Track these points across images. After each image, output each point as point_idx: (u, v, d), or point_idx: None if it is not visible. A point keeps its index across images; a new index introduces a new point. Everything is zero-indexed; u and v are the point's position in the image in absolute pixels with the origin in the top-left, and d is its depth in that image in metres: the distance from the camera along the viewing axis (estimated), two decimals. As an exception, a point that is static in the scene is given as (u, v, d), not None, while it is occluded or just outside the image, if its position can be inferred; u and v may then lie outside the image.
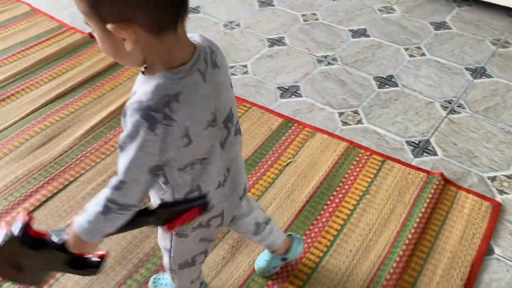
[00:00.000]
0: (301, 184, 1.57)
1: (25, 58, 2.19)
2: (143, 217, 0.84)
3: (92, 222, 0.76)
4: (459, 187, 1.55)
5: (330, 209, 1.48)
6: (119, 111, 1.87)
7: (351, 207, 1.49)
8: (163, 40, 0.69)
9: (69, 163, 1.66)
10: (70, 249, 0.81)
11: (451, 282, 1.29)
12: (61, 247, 0.80)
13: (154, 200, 0.90)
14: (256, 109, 1.88)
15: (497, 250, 1.37)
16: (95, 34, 0.70)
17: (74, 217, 0.80)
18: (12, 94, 1.99)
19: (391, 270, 1.31)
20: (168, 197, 0.85)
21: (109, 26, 0.66)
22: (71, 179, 1.60)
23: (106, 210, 0.74)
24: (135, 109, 0.68)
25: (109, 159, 1.68)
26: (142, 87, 0.71)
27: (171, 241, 0.98)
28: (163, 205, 0.86)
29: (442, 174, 1.56)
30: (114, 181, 0.73)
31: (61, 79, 2.07)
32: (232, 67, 2.12)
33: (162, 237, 1.02)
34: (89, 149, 1.72)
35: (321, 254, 1.36)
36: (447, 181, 1.56)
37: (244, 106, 1.89)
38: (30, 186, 1.58)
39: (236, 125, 0.87)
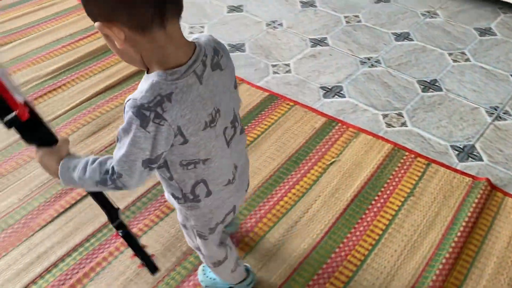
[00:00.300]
0: (345, 183, 1.58)
1: (74, 50, 2.27)
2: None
3: (81, 179, 0.80)
4: (506, 193, 1.54)
5: (375, 209, 1.50)
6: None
7: (396, 208, 1.50)
8: (151, 39, 0.70)
9: (119, 153, 1.72)
10: (37, 157, 0.84)
11: (498, 287, 1.29)
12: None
13: (168, 196, 0.96)
14: (299, 107, 1.90)
15: (545, 258, 1.36)
16: (105, 36, 0.73)
17: (63, 139, 0.84)
18: (63, 84, 2.06)
19: (437, 272, 1.31)
20: (177, 192, 0.90)
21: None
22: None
23: (102, 182, 0.79)
24: (130, 105, 0.72)
25: (157, 150, 1.72)
26: (141, 85, 0.74)
27: (196, 240, 1.04)
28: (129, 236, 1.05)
29: (488, 180, 1.55)
30: (115, 173, 0.78)
31: (109, 72, 2.13)
32: (274, 65, 2.15)
33: (188, 238, 1.08)
34: (138, 140, 1.77)
35: (366, 253, 1.37)
36: (493, 187, 1.55)
37: (287, 104, 1.92)
38: (82, 172, 1.64)
39: (240, 124, 0.92)
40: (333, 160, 1.66)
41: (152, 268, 1.14)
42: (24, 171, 1.66)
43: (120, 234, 1.04)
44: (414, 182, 1.58)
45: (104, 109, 1.92)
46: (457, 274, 1.32)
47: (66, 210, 1.52)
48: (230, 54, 2.06)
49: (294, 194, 1.55)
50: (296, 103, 1.92)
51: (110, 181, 0.79)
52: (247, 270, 1.25)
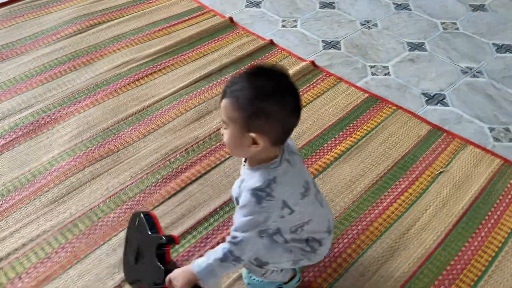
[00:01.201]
0: (456, 195, 1.55)
1: (170, 35, 2.30)
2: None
3: (210, 264, 0.98)
4: None
5: (489, 225, 1.47)
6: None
7: (511, 225, 1.46)
8: (275, 148, 0.98)
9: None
10: (172, 280, 1.01)
11: None
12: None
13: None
14: (402, 112, 1.88)
15: None
16: (228, 133, 0.95)
17: (193, 261, 1.02)
18: (163, 68, 2.09)
19: (560, 297, 1.28)
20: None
21: (252, 134, 0.93)
22: (227, 156, 1.68)
23: (225, 258, 0.98)
24: (247, 190, 0.96)
25: (261, 142, 1.74)
26: (250, 178, 0.99)
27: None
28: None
29: None
30: (233, 238, 0.97)
31: (207, 59, 2.15)
32: (372, 66, 2.13)
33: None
34: (241, 130, 1.79)
35: (483, 268, 1.35)
36: None
37: (390, 108, 1.89)
38: (189, 156, 1.67)
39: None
40: (441, 170, 1.63)
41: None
42: (133, 149, 1.70)
43: None
44: (528, 201, 1.54)
45: (205, 96, 1.94)
46: None
47: (178, 192, 1.55)
48: (326, 51, 2.05)
49: (403, 201, 1.53)
50: (399, 107, 1.90)
51: (228, 252, 0.97)
52: (293, 268, 1.25)
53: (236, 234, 0.98)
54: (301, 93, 1.92)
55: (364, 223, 1.46)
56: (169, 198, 1.53)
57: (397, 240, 1.42)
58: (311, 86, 2.01)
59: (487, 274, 1.34)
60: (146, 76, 2.05)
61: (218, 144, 1.72)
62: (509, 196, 1.55)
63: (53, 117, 1.82)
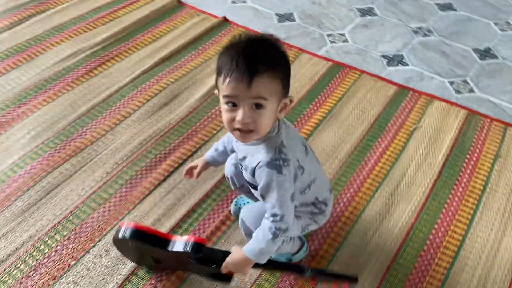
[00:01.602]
0: (433, 148, 1.61)
1: (115, 21, 2.16)
2: (297, 272, 1.14)
3: (263, 248, 1.00)
4: None
5: (468, 171, 1.54)
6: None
7: (488, 169, 1.55)
8: None
9: (198, 123, 1.67)
10: (231, 269, 1.05)
11: None
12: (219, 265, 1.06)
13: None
14: (367, 76, 1.91)
15: None
16: (268, 110, 0.91)
17: (236, 247, 1.05)
18: (116, 55, 1.96)
19: (543, 227, 1.38)
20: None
21: (288, 98, 0.96)
22: (206, 138, 1.62)
23: (275, 236, 0.99)
24: (262, 167, 0.96)
25: (236, 120, 1.69)
26: (256, 153, 0.98)
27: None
28: (320, 272, 1.19)
29: None
30: (274, 216, 0.98)
31: (160, 42, 2.05)
32: (330, 35, 2.14)
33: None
34: (213, 110, 1.73)
35: (471, 211, 1.42)
36: None
37: (355, 73, 1.92)
38: (166, 144, 1.58)
39: None
40: (415, 126, 1.69)
41: (352, 279, 1.19)
42: (102, 144, 1.58)
43: (315, 277, 1.16)
44: (497, 144, 1.63)
45: (168, 80, 1.85)
46: (561, 228, 1.39)
47: (162, 182, 1.46)
48: (281, 24, 2.04)
49: (386, 159, 1.57)
50: (363, 72, 1.93)
51: (276, 230, 0.98)
52: (300, 237, 1.26)
53: (275, 212, 0.97)
54: None
55: (355, 186, 1.48)
56: (154, 189, 1.45)
57: (389, 197, 1.45)
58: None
59: (476, 214, 1.41)
60: (99, 65, 1.91)
61: (194, 127, 1.65)
62: (480, 143, 1.64)
63: (3, 120, 1.64)
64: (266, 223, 0.99)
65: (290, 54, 2.00)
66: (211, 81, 1.84)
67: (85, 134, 1.61)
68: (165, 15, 2.23)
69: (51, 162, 1.50)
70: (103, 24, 2.14)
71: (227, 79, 0.88)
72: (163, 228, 1.33)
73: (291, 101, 0.97)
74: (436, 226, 1.37)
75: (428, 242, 1.33)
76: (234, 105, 0.91)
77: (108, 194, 1.42)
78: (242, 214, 1.15)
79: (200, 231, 1.34)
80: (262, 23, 2.20)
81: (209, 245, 1.29)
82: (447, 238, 1.34)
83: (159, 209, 1.39)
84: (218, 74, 0.92)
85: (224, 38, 2.09)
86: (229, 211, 1.38)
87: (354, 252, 1.30)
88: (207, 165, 1.23)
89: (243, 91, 0.88)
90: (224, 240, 1.32)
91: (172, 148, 1.57)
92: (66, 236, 1.31)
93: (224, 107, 0.93)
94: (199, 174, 1.22)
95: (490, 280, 1.25)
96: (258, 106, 0.90)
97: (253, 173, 1.00)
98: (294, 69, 1.90)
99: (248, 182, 1.09)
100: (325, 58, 1.99)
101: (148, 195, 1.43)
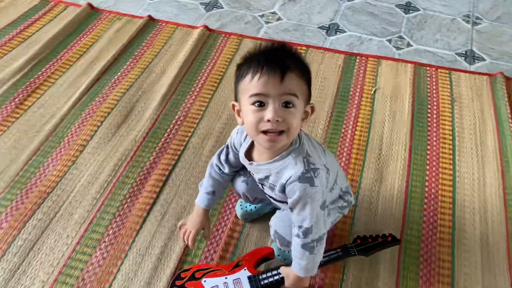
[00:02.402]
0: (398, 105, 1.69)
1: (28, 41, 1.92)
2: (345, 252, 1.15)
3: (308, 263, 1.00)
4: (517, 81, 1.81)
5: (434, 118, 1.64)
6: (184, 72, 1.79)
7: (450, 113, 1.66)
8: None
9: (166, 134, 1.56)
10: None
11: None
12: None
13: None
14: (313, 50, 1.93)
15: None
16: (297, 110, 0.88)
17: (283, 269, 1.08)
18: (44, 80, 1.75)
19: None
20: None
21: (311, 105, 0.94)
22: (181, 146, 1.52)
23: (312, 249, 0.98)
24: (293, 181, 0.92)
25: (204, 121, 1.61)
26: (282, 168, 0.95)
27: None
28: (361, 243, 1.18)
29: (502, 73, 1.81)
30: (303, 230, 0.96)
31: (90, 56, 1.87)
32: (262, 15, 2.11)
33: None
34: (177, 116, 1.62)
35: (451, 151, 1.52)
36: (507, 78, 1.81)
37: (301, 49, 1.93)
38: (141, 164, 1.46)
39: None
40: (374, 89, 1.75)
41: (395, 240, 1.20)
42: (69, 182, 1.41)
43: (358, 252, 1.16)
44: (448, 89, 1.76)
45: (115, 95, 1.69)
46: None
47: (153, 204, 1.35)
48: (210, 13, 1.97)
49: (361, 127, 1.61)
50: (308, 46, 1.94)
51: (311, 243, 0.97)
52: None
53: (306, 226, 0.96)
54: (212, 62, 1.84)
55: (343, 159, 1.50)
56: (147, 215, 1.33)
57: (377, 162, 1.50)
58: (218, 52, 1.91)
59: (456, 158, 1.51)
60: (29, 96, 1.68)
61: (163, 138, 1.54)
62: (434, 92, 1.76)
63: None
64: (298, 241, 0.98)
65: (232, 42, 1.95)
66: (160, 87, 1.73)
67: (45, 175, 1.42)
68: (82, 25, 2.03)
69: (18, 216, 1.31)
70: (15, 47, 1.88)
71: (257, 76, 0.85)
72: (175, 254, 1.24)
73: (312, 110, 0.95)
74: (427, 178, 1.45)
75: (426, 195, 1.40)
76: (261, 105, 0.86)
77: (99, 234, 1.28)
78: (274, 226, 1.13)
79: (213, 245, 1.27)
80: (190, 16, 2.10)
81: (228, 256, 1.24)
82: (440, 186, 1.43)
83: (162, 235, 1.28)
84: (241, 77, 0.89)
85: (158, 38, 1.96)
86: (235, 216, 1.33)
87: (367, 225, 1.31)
88: (207, 212, 1.16)
89: (274, 86, 0.84)
90: (242, 246, 1.26)
91: (149, 166, 1.46)
92: (70, 293, 1.16)
93: (249, 108, 0.88)
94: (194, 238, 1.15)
95: (488, 213, 1.36)
96: (288, 105, 0.87)
97: (283, 190, 0.97)
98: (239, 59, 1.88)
99: (273, 198, 1.06)
100: (267, 40, 1.96)
101: (143, 223, 1.31)
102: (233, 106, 0.96)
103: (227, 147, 1.10)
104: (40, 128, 1.57)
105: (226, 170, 1.12)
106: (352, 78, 1.80)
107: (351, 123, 1.62)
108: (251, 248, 1.25)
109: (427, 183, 1.44)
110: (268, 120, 0.86)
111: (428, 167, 1.48)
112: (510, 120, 1.62)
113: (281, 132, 0.88)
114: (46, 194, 1.37)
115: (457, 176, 1.46)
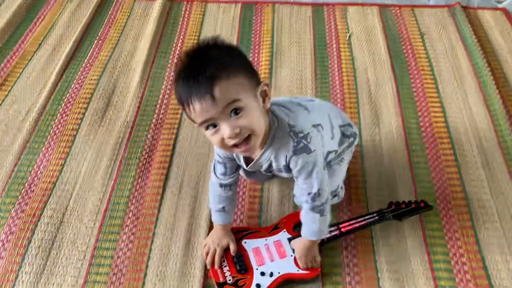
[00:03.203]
0: (375, 47, 1.74)
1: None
2: (381, 217, 1.18)
3: (321, 225, 1.03)
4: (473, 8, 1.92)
5: (410, 55, 1.71)
6: (156, 45, 1.72)
7: (423, 48, 1.74)
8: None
9: (157, 110, 1.51)
10: (306, 261, 1.08)
11: None
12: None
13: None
14: (280, 6, 1.93)
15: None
16: (249, 109, 0.82)
17: (294, 242, 1.11)
18: (8, 75, 1.61)
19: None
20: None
21: (261, 87, 0.86)
22: (176, 119, 1.48)
23: (322, 212, 1.00)
24: (291, 157, 0.93)
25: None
26: (277, 153, 0.95)
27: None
28: (396, 208, 1.21)
29: (458, 3, 1.91)
30: (312, 195, 0.98)
31: (50, 44, 1.76)
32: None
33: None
34: (163, 87, 1.57)
35: (435, 94, 1.60)
36: (464, 7, 1.92)
37: (267, 6, 1.91)
38: (141, 142, 1.41)
39: None
40: (348, 35, 1.79)
41: (427, 206, 1.22)
42: (72, 173, 1.34)
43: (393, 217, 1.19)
44: (415, 25, 1.83)
45: (90, 79, 1.61)
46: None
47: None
48: None
49: (347, 72, 1.64)
50: (275, 2, 1.93)
51: (320, 206, 0.99)
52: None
53: (314, 191, 0.97)
54: (182, 30, 1.78)
55: (338, 105, 1.53)
56: (164, 191, 1.30)
57: (370, 104, 1.54)
58: (186, 20, 1.86)
59: (439, 86, 1.59)
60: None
61: (156, 115, 1.49)
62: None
63: None
64: (308, 206, 1.00)
65: (197, 9, 1.90)
66: (137, 64, 1.67)
67: (41, 172, 1.33)
68: (30, 13, 1.89)
69: (26, 218, 1.22)
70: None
71: (191, 107, 0.80)
72: (203, 221, 1.22)
73: (267, 86, 0.88)
74: (419, 113, 1.51)
75: (421, 124, 1.47)
76: (214, 126, 0.83)
77: (119, 219, 1.23)
78: (296, 191, 1.18)
79: (238, 208, 1.26)
80: None
81: (255, 214, 1.25)
82: (432, 118, 1.49)
83: (185, 207, 1.26)
84: (182, 106, 0.83)
85: (118, 15, 1.87)
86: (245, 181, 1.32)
87: (377, 168, 1.34)
88: (227, 227, 1.14)
89: (212, 108, 0.79)
90: (266, 204, 1.27)
91: (150, 144, 1.41)
92: None
93: (207, 133, 0.85)
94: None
95: (479, 130, 1.45)
96: (237, 111, 0.81)
97: (288, 169, 0.98)
98: (209, 24, 1.84)
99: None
100: (234, 1, 1.93)
101: (162, 200, 1.28)
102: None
103: (219, 162, 1.06)
104: (20, 126, 1.46)
105: (229, 180, 1.08)
106: (325, 28, 1.82)
107: (336, 71, 1.65)
108: (275, 205, 1.27)
109: (419, 113, 1.51)
110: (227, 137, 0.83)
111: (417, 101, 1.55)
112: (477, 44, 1.73)
113: (248, 137, 0.85)
114: (49, 190, 1.29)
115: (444, 102, 1.54)
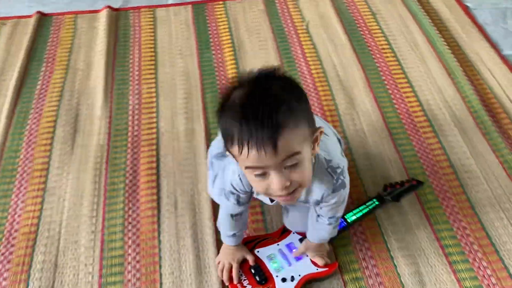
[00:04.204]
0: (333, 33, 1.76)
1: None
2: (381, 201, 1.20)
3: (332, 232, 1.03)
4: None
5: (368, 36, 1.76)
6: (112, 60, 1.63)
7: (377, 27, 1.79)
8: None
9: (130, 126, 1.43)
10: (320, 257, 1.08)
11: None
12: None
13: None
14: (231, 3, 1.89)
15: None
16: (304, 163, 0.76)
17: (303, 244, 1.09)
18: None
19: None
20: None
21: (317, 134, 0.79)
22: (153, 123, 1.41)
23: (337, 221, 1.02)
24: (328, 195, 0.90)
25: (164, 102, 1.51)
26: (311, 190, 0.90)
27: None
28: (392, 190, 1.24)
29: None
30: (336, 218, 0.99)
31: (-8, 73, 1.59)
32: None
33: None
34: (130, 107, 1.49)
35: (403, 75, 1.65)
36: None
37: (218, 4, 1.87)
38: (121, 164, 1.33)
39: None
40: (305, 24, 1.80)
41: (419, 182, 1.26)
42: (55, 206, 1.24)
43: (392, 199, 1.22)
44: (365, 5, 1.88)
45: (49, 108, 1.49)
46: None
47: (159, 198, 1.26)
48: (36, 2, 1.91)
49: (312, 60, 1.65)
50: (224, 0, 1.90)
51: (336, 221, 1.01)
52: None
53: (338, 216, 1.00)
54: (136, 40, 1.70)
55: (313, 94, 1.54)
56: (159, 211, 1.23)
57: (342, 88, 1.56)
58: (137, 29, 1.77)
59: (402, 62, 1.65)
60: None
61: (130, 133, 1.42)
62: (354, 9, 1.87)
63: None
64: (325, 221, 0.99)
65: (146, 16, 1.82)
66: (95, 82, 1.57)
67: (19, 215, 1.22)
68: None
69: (16, 268, 1.11)
70: None
71: (245, 150, 0.70)
72: (209, 237, 1.18)
73: (321, 133, 0.80)
74: (389, 91, 1.54)
75: (396, 106, 1.50)
76: (262, 174, 0.75)
77: (119, 249, 1.15)
78: (288, 226, 1.15)
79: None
80: (13, 5, 1.89)
81: (259, 218, 1.22)
82: (403, 94, 1.53)
83: (185, 224, 1.20)
84: (227, 140, 0.74)
85: (62, 33, 1.75)
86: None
87: (370, 160, 1.35)
88: (238, 246, 1.09)
89: (270, 158, 0.70)
90: (271, 211, 1.25)
91: (132, 164, 1.34)
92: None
93: (250, 176, 0.78)
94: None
95: (449, 100, 1.51)
96: (293, 165, 0.74)
97: (317, 203, 0.94)
98: (163, 29, 1.76)
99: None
100: (182, 4, 1.87)
101: (159, 220, 1.21)
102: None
103: (232, 192, 0.95)
104: (-22, 169, 1.32)
105: (240, 209, 1.01)
106: (280, 19, 1.82)
107: (302, 60, 1.66)
108: (278, 206, 1.25)
109: (390, 91, 1.55)
110: (275, 191, 0.76)
111: (383, 78, 1.60)
112: (424, 14, 1.80)
113: (295, 190, 0.78)
114: (33, 233, 1.19)
115: (409, 77, 1.60)
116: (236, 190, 0.93)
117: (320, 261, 1.08)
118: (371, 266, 1.12)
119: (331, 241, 1.12)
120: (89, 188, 1.28)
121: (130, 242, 1.17)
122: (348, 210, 1.20)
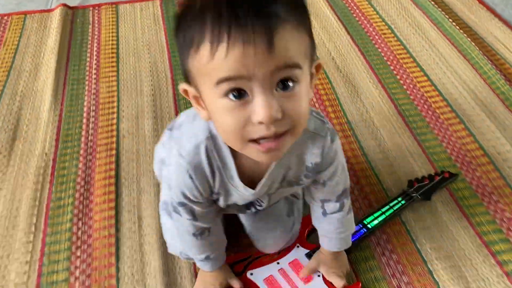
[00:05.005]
0: (324, 20, 1.55)
1: None
2: (408, 200, 0.94)
3: (351, 228, 0.79)
4: None
5: (365, 22, 1.53)
6: (66, 59, 1.36)
7: (374, 12, 1.57)
8: None
9: (87, 129, 1.15)
10: (342, 274, 0.81)
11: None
12: None
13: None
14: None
15: None
16: (302, 87, 0.51)
17: (312, 260, 0.83)
18: None
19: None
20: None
21: (317, 62, 0.56)
22: (114, 139, 1.13)
23: (350, 210, 0.77)
24: (327, 153, 0.67)
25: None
26: (302, 153, 0.65)
27: None
28: (420, 185, 0.98)
29: None
30: (345, 194, 0.74)
31: None
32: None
33: None
34: (85, 108, 1.22)
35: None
36: None
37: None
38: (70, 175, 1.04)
39: None
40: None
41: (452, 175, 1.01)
42: None
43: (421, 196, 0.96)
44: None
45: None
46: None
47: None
48: None
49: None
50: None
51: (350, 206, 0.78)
52: None
53: (347, 186, 0.74)
54: (95, 38, 1.48)
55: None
56: (118, 230, 0.94)
57: (342, 76, 1.32)
58: (97, 27, 1.52)
59: (404, 43, 1.42)
60: None
61: (83, 138, 1.14)
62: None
63: None
64: (342, 213, 0.75)
65: (108, 13, 1.57)
66: (44, 84, 1.30)
67: None
68: None
69: None
70: None
71: (222, 47, 0.45)
72: (183, 262, 0.88)
73: (318, 68, 0.57)
74: (398, 76, 1.31)
75: (408, 92, 1.26)
76: (240, 95, 0.49)
77: (62, 283, 0.85)
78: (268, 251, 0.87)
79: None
80: (36, 1, 1.65)
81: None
82: (414, 79, 1.30)
83: (151, 245, 0.91)
84: (190, 46, 0.49)
85: (8, 34, 1.49)
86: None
87: (386, 155, 1.09)
88: (220, 270, 0.79)
89: (260, 63, 0.46)
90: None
91: (84, 175, 1.05)
92: None
93: (220, 103, 0.50)
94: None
95: (469, 83, 1.28)
96: (288, 83, 0.49)
97: (315, 179, 0.70)
98: (127, 25, 1.52)
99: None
100: (149, -1, 1.64)
101: (118, 243, 0.91)
102: (185, 91, 0.56)
103: (182, 204, 0.66)
104: None
105: (204, 225, 0.71)
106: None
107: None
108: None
109: (398, 77, 1.31)
110: (260, 122, 0.49)
111: (389, 63, 1.36)
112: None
113: (284, 133, 0.52)
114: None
115: (419, 61, 1.36)
116: (186, 196, 0.64)
117: (338, 282, 0.79)
118: (404, 284, 0.83)
119: (348, 252, 0.83)
120: (27, 206, 0.98)
121: (77, 272, 0.87)
122: (367, 213, 0.92)
